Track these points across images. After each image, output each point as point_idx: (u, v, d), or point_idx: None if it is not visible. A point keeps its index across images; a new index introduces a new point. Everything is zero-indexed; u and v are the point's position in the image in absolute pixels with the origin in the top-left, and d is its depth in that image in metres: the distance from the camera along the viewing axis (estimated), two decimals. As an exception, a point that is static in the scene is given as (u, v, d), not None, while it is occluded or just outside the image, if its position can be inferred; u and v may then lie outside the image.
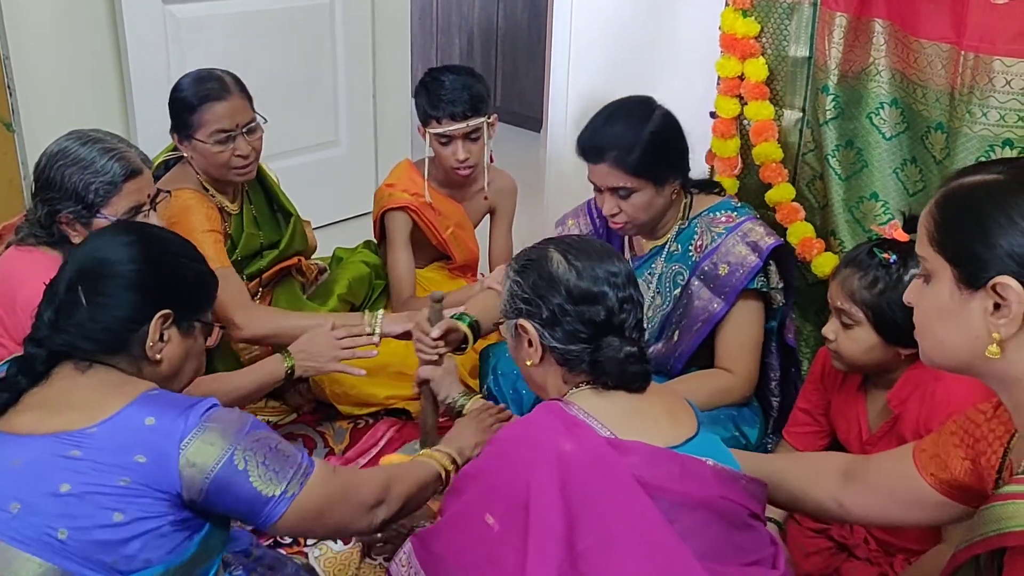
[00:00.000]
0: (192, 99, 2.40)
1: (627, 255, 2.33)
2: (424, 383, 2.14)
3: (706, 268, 2.17)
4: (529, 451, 1.36)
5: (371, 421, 2.61)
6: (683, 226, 2.23)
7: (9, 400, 1.39)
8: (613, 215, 2.14)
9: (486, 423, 1.93)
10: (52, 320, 1.44)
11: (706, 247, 2.18)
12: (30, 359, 1.42)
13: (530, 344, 1.51)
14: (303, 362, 2.18)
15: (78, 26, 3.10)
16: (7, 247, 2.05)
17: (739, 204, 2.27)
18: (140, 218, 1.98)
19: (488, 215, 2.98)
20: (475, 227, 2.95)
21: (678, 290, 2.22)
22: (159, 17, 3.20)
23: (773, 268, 2.19)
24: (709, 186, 2.33)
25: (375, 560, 2.06)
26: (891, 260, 1.79)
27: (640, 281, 2.26)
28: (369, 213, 2.92)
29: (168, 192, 2.13)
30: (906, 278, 1.76)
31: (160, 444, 1.34)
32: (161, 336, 1.47)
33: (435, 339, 2.09)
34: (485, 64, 5.52)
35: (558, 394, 1.51)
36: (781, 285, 2.21)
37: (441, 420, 2.24)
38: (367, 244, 2.98)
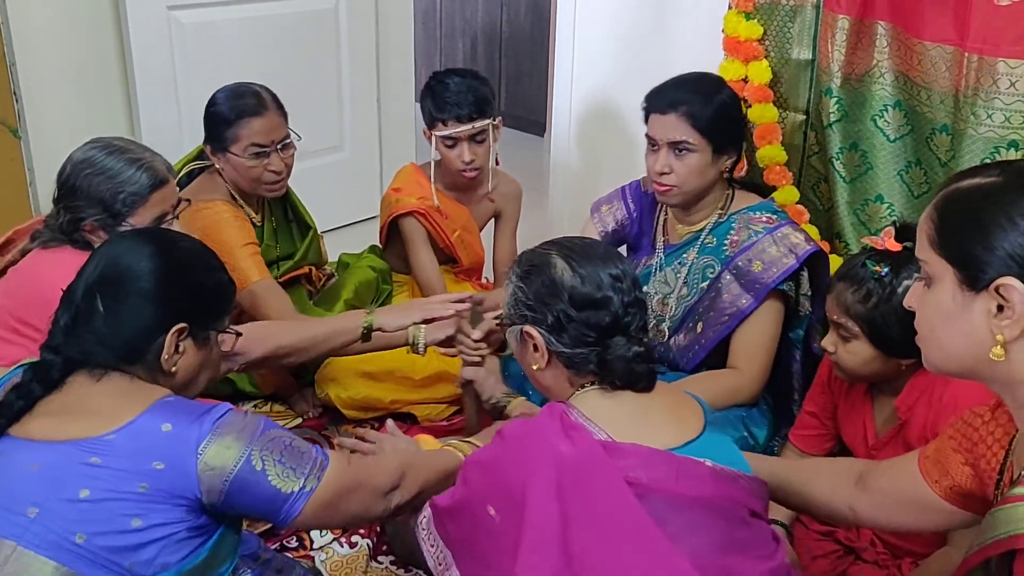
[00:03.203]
0: (228, 113, 2.42)
1: (660, 242, 2.34)
2: (467, 384, 2.18)
3: (740, 264, 2.17)
4: (530, 450, 1.38)
5: (376, 425, 2.61)
6: (721, 220, 2.24)
7: (24, 408, 1.39)
8: (664, 173, 2.16)
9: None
10: (68, 326, 1.44)
11: (742, 243, 2.19)
12: (46, 366, 1.42)
13: (535, 349, 1.51)
14: (386, 315, 2.10)
15: (83, 32, 3.12)
16: (23, 253, 2.05)
17: (780, 208, 2.28)
18: (163, 226, 1.98)
19: (493, 219, 2.99)
20: (480, 230, 2.95)
21: (706, 283, 2.22)
22: (164, 23, 3.21)
23: (805, 275, 2.20)
24: (751, 186, 2.35)
25: (381, 563, 2.07)
26: (882, 272, 1.78)
27: (669, 270, 2.29)
28: (374, 217, 2.92)
29: (188, 201, 2.14)
30: (899, 290, 1.75)
31: (177, 450, 1.35)
32: (177, 348, 1.47)
33: (477, 340, 2.15)
34: (489, 68, 5.53)
35: (564, 396, 1.52)
36: (809, 293, 2.22)
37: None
38: (372, 249, 2.98)
